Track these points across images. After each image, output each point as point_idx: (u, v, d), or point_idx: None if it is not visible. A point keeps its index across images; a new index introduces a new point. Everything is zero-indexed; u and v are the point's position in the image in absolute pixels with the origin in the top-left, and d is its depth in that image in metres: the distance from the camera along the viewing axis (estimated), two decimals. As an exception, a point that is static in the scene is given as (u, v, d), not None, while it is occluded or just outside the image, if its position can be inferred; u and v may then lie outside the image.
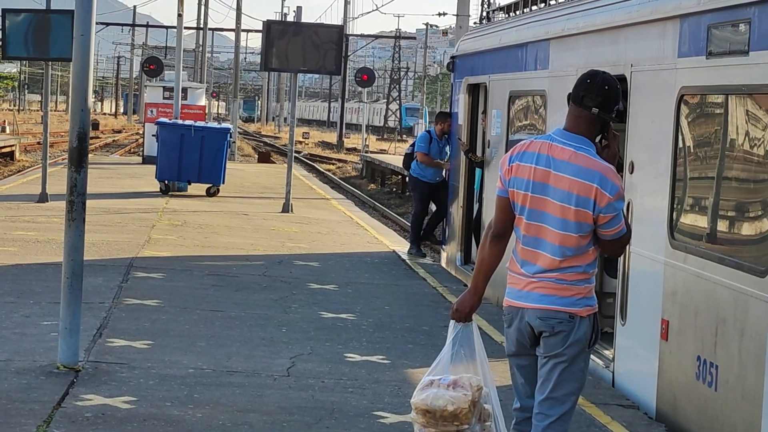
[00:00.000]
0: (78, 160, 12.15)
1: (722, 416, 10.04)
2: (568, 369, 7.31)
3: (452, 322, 7.57)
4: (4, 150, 57.08)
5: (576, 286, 7.28)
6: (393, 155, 68.83)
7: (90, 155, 13.24)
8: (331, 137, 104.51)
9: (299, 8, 35.22)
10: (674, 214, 11.39)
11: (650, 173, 11.86)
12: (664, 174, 11.54)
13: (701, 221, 11.18)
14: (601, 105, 7.31)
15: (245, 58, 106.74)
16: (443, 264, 22.32)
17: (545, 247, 7.26)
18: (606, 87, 7.37)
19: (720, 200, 10.92)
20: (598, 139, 7.43)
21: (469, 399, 7.35)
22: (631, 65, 12.42)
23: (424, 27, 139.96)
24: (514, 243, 7.47)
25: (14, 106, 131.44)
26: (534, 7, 18.19)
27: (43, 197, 29.23)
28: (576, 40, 14.65)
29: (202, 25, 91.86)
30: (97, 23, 12.29)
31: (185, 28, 55.00)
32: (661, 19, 11.84)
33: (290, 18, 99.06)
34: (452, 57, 23.71)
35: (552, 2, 17.25)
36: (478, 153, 19.91)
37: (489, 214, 18.09)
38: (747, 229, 10.32)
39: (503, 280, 7.57)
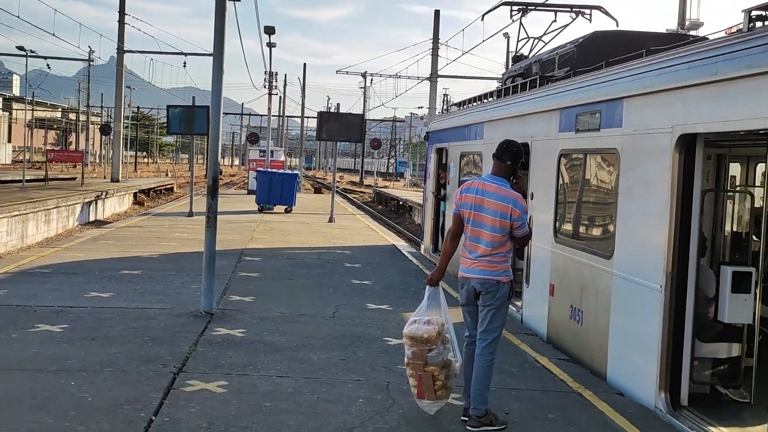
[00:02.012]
0: (212, 193, 12.25)
1: (585, 341, 10.09)
2: (496, 313, 7.43)
3: (427, 286, 7.70)
4: (167, 186, 57.13)
5: (500, 264, 7.45)
6: (392, 189, 68.79)
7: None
8: (356, 178, 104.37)
9: (338, 104, 35.51)
10: (557, 223, 11.44)
11: (542, 199, 11.88)
12: (550, 200, 11.58)
13: (572, 227, 11.24)
14: (512, 159, 7.58)
15: (306, 132, 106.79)
16: (422, 252, 22.28)
17: (482, 242, 7.43)
18: (515, 148, 7.64)
19: (582, 215, 11.00)
20: (511, 179, 7.58)
21: (437, 330, 7.40)
22: (531, 137, 12.45)
23: (410, 115, 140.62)
24: (463, 240, 7.60)
25: (173, 161, 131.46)
26: (475, 103, 18.23)
27: (190, 214, 29.25)
28: (500, 122, 14.67)
29: (281, 114, 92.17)
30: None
31: (272, 116, 55.19)
32: (549, 110, 11.88)
33: (333, 109, 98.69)
34: (427, 132, 23.67)
35: (485, 101, 17.28)
36: (442, 193, 20.00)
37: (448, 224, 18.11)
38: (598, 232, 10.41)
39: (457, 261, 7.66)
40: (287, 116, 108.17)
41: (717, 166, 10.63)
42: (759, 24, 7.47)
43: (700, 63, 7.77)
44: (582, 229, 11.08)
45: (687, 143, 7.99)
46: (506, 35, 47.50)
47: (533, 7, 18.22)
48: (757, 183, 10.92)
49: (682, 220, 8.03)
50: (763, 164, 10.19)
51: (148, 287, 14.08)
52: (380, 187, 70.97)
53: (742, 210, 10.47)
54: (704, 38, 10.83)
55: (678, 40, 11.35)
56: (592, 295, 9.97)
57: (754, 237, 9.49)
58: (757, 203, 10.01)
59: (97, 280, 14.50)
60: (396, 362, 9.31)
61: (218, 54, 12.08)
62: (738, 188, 11.10)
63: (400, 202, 51.90)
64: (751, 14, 7.54)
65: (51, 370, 8.54)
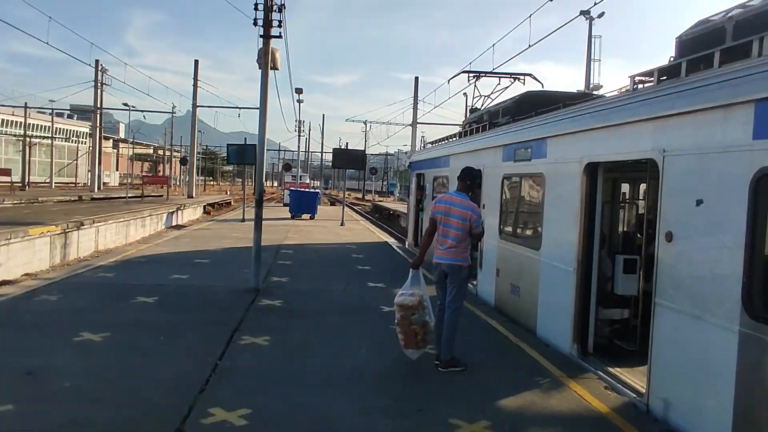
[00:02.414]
0: (259, 204, 12.30)
1: (521, 308, 10.10)
2: (459, 288, 7.46)
3: (411, 269, 7.69)
4: (227, 201, 56.86)
5: (462, 253, 7.47)
6: (385, 203, 68.59)
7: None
8: (360, 195, 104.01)
9: (347, 143, 35.49)
10: (501, 225, 11.45)
11: (491, 208, 11.83)
12: (496, 209, 11.56)
13: (512, 228, 11.25)
14: (471, 180, 7.61)
15: (324, 162, 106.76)
16: (406, 246, 22.20)
17: (449, 238, 7.45)
18: (473, 172, 7.65)
19: (518, 220, 11.02)
20: (470, 194, 7.60)
21: (418, 300, 7.43)
22: (483, 165, 12.46)
23: (397, 151, 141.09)
24: (437, 236, 7.61)
25: (231, 183, 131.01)
26: (443, 142, 18.22)
27: (243, 220, 29.13)
28: (461, 155, 14.63)
29: (307, 149, 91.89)
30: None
31: (300, 151, 55.08)
32: (495, 146, 11.89)
33: (343, 146, 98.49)
34: (410, 162, 23.60)
35: (451, 140, 17.27)
36: (420, 206, 19.92)
37: (425, 226, 18.04)
38: (530, 232, 10.40)
39: (432, 252, 7.68)
40: (311, 151, 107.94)
41: (613, 185, 10.70)
42: (640, 86, 7.56)
43: (599, 113, 7.83)
44: (519, 229, 11.10)
45: (591, 169, 8.05)
46: (465, 94, 47.42)
47: (484, 74, 18.29)
48: (640, 197, 10.98)
49: (588, 223, 8.09)
50: (644, 184, 10.25)
51: (213, 271, 14.04)
52: (377, 202, 70.74)
53: (630, 216, 10.53)
54: (602, 96, 10.89)
55: (585, 97, 11.42)
56: (526, 275, 9.98)
57: (638, 235, 9.54)
58: (641, 211, 10.08)
59: (178, 266, 14.47)
60: (388, 324, 9.27)
61: (262, 108, 12.12)
62: (627, 201, 11.16)
63: (391, 212, 51.65)
64: (635, 79, 7.63)
65: (146, 328, 8.57)
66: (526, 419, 5.98)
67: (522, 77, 17.84)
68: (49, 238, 18.88)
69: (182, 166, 67.47)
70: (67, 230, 19.96)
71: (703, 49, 6.52)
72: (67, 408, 5.71)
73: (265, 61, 11.76)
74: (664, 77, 7.01)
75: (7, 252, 16.81)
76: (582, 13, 28.63)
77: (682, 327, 5.94)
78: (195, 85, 50.32)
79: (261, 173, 12.64)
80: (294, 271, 14.53)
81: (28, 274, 16.50)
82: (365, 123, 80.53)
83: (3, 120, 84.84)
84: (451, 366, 7.36)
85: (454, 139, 16.94)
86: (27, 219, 22.10)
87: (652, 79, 7.24)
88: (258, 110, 12.27)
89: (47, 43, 25.62)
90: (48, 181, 71.74)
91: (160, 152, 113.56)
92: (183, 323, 8.97)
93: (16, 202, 37.16)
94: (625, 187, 11.50)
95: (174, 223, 34.13)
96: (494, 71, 18.58)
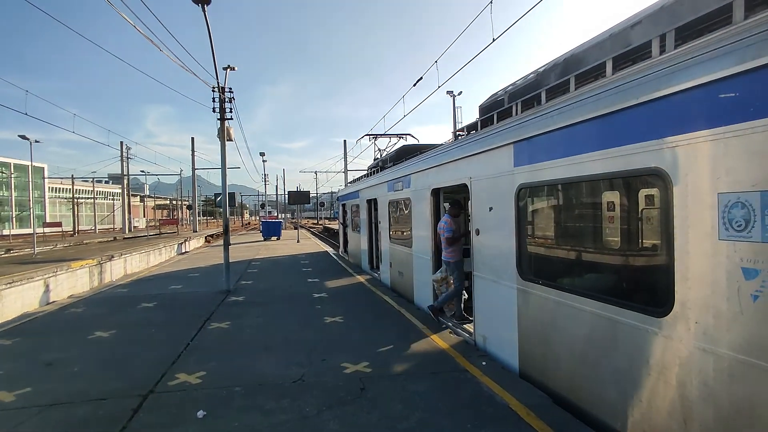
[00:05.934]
0: (226, 232, 11.90)
1: (405, 286, 10.10)
2: (453, 273, 7.63)
3: (443, 266, 7.65)
4: (217, 234, 54.82)
5: (449, 253, 7.51)
6: (330, 224, 67.85)
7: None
8: (315, 221, 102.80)
9: (299, 185, 34.91)
10: (390, 233, 11.36)
11: (384, 225, 11.59)
12: (386, 224, 11.39)
13: (395, 234, 11.24)
14: (454, 205, 7.56)
15: (285, 201, 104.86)
16: (339, 252, 21.98)
17: (442, 242, 7.46)
18: (456, 201, 7.64)
19: (399, 228, 11.06)
20: (459, 215, 7.66)
21: (445, 275, 7.48)
22: (377, 196, 12.43)
23: (337, 189, 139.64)
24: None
25: (214, 219, 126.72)
26: (356, 182, 18.23)
27: (231, 244, 28.20)
28: (366, 189, 14.50)
29: (276, 193, 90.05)
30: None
31: (269, 194, 53.76)
32: (382, 182, 11.87)
33: (297, 188, 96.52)
34: (338, 197, 23.50)
35: (361, 180, 17.31)
36: (345, 225, 19.77)
37: (350, 239, 17.88)
38: (405, 235, 10.43)
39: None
40: (278, 194, 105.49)
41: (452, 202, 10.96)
42: (459, 137, 7.83)
43: (435, 156, 8.04)
44: (399, 234, 11.16)
45: (436, 192, 8.23)
46: (376, 149, 48.00)
47: (380, 135, 18.55)
48: (469, 209, 11.33)
49: (436, 227, 8.27)
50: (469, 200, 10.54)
51: (200, 281, 13.44)
52: (326, 225, 70.01)
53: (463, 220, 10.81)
54: (442, 145, 11.21)
55: (435, 146, 11.66)
56: (405, 264, 10.00)
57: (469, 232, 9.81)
58: (469, 217, 10.36)
59: (175, 279, 13.86)
60: (314, 305, 9.19)
61: (223, 166, 11.86)
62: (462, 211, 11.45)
63: (334, 231, 51.32)
64: (456, 133, 7.91)
65: (143, 324, 8.18)
66: (394, 357, 6.04)
67: (404, 136, 18.15)
68: (87, 269, 17.77)
69: (189, 211, 64.95)
70: (101, 262, 18.88)
71: (492, 112, 6.86)
72: (71, 386, 5.41)
73: (222, 134, 11.57)
74: (472, 131, 7.31)
75: (55, 281, 15.81)
76: (448, 92, 29.50)
77: (488, 288, 6.16)
78: (193, 154, 48.79)
79: (226, 211, 12.28)
80: (258, 276, 14.10)
81: (71, 295, 15.52)
82: (315, 173, 79.80)
83: (57, 188, 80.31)
84: (437, 314, 7.53)
85: (363, 179, 16.92)
86: (72, 257, 20.82)
87: (464, 132, 7.53)
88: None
89: (74, 132, 24.48)
90: (93, 228, 67.88)
91: (174, 202, 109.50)
92: (172, 319, 8.60)
93: (66, 245, 34.85)
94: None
95: (183, 251, 32.76)
96: (385, 134, 18.83)
